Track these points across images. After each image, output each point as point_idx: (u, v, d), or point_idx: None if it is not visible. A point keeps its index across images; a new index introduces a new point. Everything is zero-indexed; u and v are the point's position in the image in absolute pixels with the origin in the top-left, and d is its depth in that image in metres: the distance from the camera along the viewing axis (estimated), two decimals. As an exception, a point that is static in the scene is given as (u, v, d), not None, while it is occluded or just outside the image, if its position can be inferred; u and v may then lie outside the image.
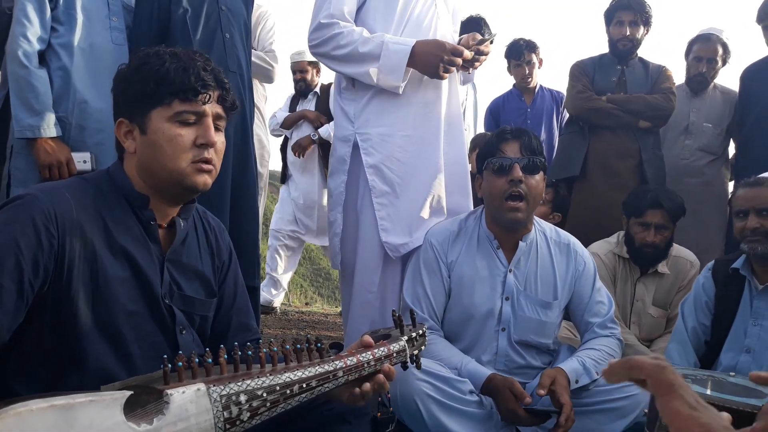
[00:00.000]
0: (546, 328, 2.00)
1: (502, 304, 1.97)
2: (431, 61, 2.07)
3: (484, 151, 2.00)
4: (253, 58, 2.93)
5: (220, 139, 1.24)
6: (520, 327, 1.97)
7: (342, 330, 3.83)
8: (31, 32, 1.98)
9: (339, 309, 4.37)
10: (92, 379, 1.12)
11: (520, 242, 1.99)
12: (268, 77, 3.08)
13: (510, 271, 1.99)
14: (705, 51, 3.35)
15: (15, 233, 1.05)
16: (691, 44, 3.41)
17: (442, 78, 2.14)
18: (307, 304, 5.47)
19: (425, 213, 2.19)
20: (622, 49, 3.19)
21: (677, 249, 2.65)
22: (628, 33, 3.16)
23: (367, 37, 2.08)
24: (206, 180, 1.23)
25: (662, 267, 2.60)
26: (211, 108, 1.22)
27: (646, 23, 3.20)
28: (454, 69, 2.11)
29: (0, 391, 1.09)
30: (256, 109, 3.02)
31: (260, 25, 3.10)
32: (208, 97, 1.20)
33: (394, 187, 2.15)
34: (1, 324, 1.02)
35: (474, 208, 2.27)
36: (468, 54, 2.10)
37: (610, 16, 3.21)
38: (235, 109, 1.29)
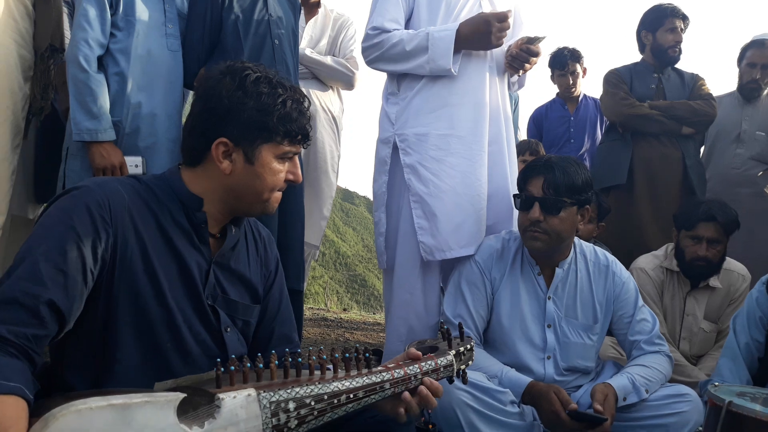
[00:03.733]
0: (590, 351, 1.99)
1: (545, 332, 1.96)
2: (482, 32, 2.11)
3: (517, 179, 2.00)
4: (333, 64, 3.00)
5: None
6: (566, 353, 1.96)
7: (379, 334, 3.85)
8: (92, 37, 2.03)
9: (375, 315, 4.38)
10: (142, 372, 1.14)
11: (557, 268, 1.97)
12: (349, 83, 3.12)
13: (549, 298, 1.97)
14: (759, 57, 3.27)
15: (73, 222, 1.07)
16: (744, 50, 3.32)
17: (497, 46, 2.17)
18: (345, 310, 5.49)
19: (465, 219, 2.14)
20: (672, 55, 3.14)
21: (728, 262, 2.55)
22: (681, 39, 3.11)
23: (412, 33, 2.16)
24: (276, 207, 1.32)
25: (714, 281, 2.52)
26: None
27: (685, 31, 3.17)
28: (505, 34, 2.13)
29: (54, 381, 1.12)
30: (330, 118, 3.05)
31: (342, 33, 3.14)
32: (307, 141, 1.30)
33: (429, 186, 2.15)
34: (69, 311, 1.04)
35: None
36: (507, 13, 2.13)
37: (658, 23, 3.14)
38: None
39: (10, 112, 2.03)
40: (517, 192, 1.98)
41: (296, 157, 1.29)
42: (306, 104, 1.28)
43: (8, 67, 2.02)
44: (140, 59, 2.11)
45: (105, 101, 2.04)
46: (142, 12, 2.12)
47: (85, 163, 2.06)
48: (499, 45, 2.17)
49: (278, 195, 1.30)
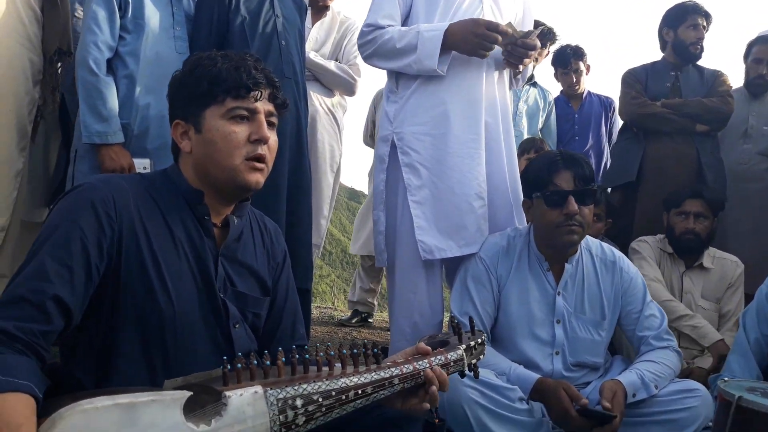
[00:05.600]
0: (599, 346, 1.99)
1: (554, 328, 1.96)
2: (468, 39, 2.06)
3: (534, 178, 1.96)
4: (336, 70, 2.99)
5: (272, 137, 1.27)
6: (574, 349, 1.96)
7: (386, 332, 3.85)
8: (101, 40, 2.04)
9: (382, 314, 4.37)
10: (148, 368, 1.15)
11: (567, 264, 1.97)
12: (349, 90, 3.11)
13: (558, 294, 1.97)
14: (766, 53, 3.24)
15: (77, 219, 1.09)
16: (751, 46, 3.31)
17: (482, 56, 2.12)
18: (352, 309, 5.48)
19: (464, 218, 2.12)
20: (694, 52, 3.13)
21: (720, 252, 2.67)
22: (703, 36, 3.10)
23: (404, 31, 2.14)
24: (258, 179, 1.25)
25: (706, 261, 2.61)
26: (263, 105, 1.24)
27: (707, 29, 3.15)
28: (493, 46, 2.08)
29: (63, 378, 1.12)
30: (332, 118, 3.05)
31: (346, 38, 3.13)
32: (259, 94, 1.23)
33: (428, 186, 2.14)
34: (75, 306, 1.06)
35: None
36: (505, 28, 2.07)
37: (681, 19, 3.12)
38: (285, 107, 1.31)
39: (14, 115, 2.05)
40: (534, 189, 1.95)
41: (260, 116, 1.23)
42: (248, 61, 1.24)
43: (13, 71, 2.04)
44: (149, 62, 2.12)
45: (114, 104, 2.05)
46: (151, 14, 2.13)
47: (93, 164, 2.07)
48: (483, 56, 2.11)
49: (253, 165, 1.23)
